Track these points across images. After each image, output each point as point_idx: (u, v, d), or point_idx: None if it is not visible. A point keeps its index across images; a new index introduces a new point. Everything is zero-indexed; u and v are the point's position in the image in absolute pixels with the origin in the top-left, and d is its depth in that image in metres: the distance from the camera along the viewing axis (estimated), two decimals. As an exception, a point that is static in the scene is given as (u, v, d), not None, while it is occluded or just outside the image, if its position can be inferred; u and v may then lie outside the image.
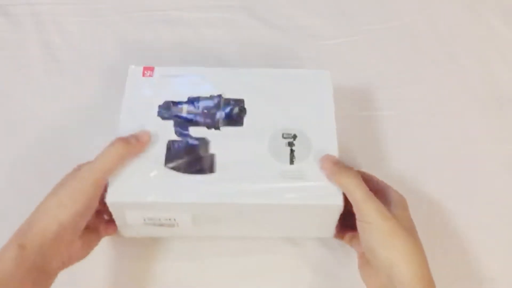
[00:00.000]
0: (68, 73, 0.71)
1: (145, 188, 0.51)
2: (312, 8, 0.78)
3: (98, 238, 0.54)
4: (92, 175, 0.49)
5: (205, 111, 0.55)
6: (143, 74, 0.59)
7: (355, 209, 0.49)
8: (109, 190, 0.50)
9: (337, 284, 0.58)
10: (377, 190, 0.51)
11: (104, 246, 0.57)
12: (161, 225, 0.54)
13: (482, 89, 0.71)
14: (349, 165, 0.51)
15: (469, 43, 0.74)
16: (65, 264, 0.50)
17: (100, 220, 0.54)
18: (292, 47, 0.74)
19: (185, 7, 0.77)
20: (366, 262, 0.51)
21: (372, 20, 0.76)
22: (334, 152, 0.53)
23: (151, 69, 0.59)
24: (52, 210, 0.48)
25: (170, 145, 0.53)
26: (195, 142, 0.54)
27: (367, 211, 0.48)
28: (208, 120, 0.55)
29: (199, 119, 0.55)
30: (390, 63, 0.73)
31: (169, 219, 0.53)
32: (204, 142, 0.54)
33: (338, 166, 0.51)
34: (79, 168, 0.51)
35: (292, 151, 0.53)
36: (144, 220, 0.53)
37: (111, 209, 0.51)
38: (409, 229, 0.48)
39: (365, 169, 0.63)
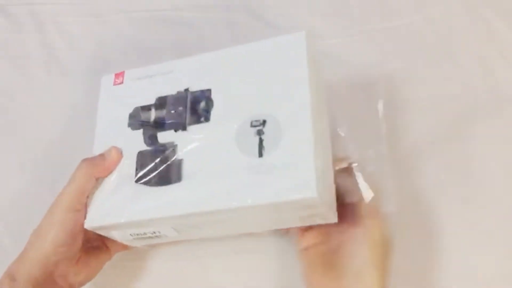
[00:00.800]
0: (68, 73, 0.71)
1: (119, 208, 0.49)
2: (312, 8, 0.78)
3: (108, 256, 0.55)
4: (63, 201, 0.49)
5: (172, 111, 0.52)
6: (114, 83, 0.57)
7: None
8: (88, 215, 0.50)
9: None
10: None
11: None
12: (149, 237, 0.53)
13: (482, 89, 0.71)
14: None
15: (469, 43, 0.74)
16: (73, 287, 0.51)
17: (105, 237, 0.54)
18: (292, 47, 0.74)
19: (185, 7, 0.77)
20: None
21: (372, 20, 0.76)
22: (308, 133, 0.47)
23: (122, 74, 0.57)
24: (36, 241, 0.49)
25: (139, 157, 0.52)
26: (162, 149, 0.51)
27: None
28: (175, 122, 0.52)
29: (167, 121, 0.52)
30: (390, 63, 0.73)
31: (153, 232, 0.52)
32: (171, 147, 0.51)
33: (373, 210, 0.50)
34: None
35: (261, 141, 0.48)
36: (131, 235, 0.52)
37: (95, 231, 0.51)
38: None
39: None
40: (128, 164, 0.51)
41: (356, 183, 0.51)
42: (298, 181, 0.45)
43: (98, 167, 0.50)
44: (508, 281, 0.59)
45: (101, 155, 0.51)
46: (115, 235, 0.52)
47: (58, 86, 0.69)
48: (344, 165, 0.52)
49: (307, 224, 0.51)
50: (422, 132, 0.68)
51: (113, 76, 0.57)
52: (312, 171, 0.45)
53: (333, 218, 0.50)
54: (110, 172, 0.51)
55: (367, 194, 0.50)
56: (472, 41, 0.74)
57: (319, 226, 0.50)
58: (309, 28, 0.74)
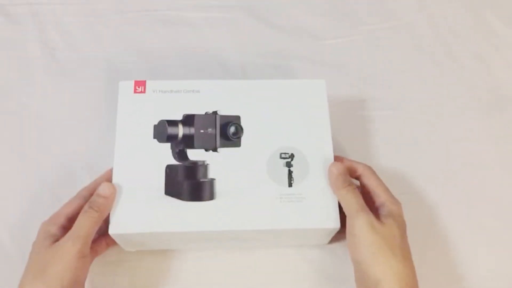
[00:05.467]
0: (68, 73, 0.70)
1: (151, 218, 0.51)
2: (312, 8, 0.78)
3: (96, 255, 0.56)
4: (75, 247, 0.48)
5: (202, 131, 0.55)
6: (135, 90, 0.57)
7: (347, 221, 0.51)
8: (112, 220, 0.51)
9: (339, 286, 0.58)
10: (373, 194, 0.53)
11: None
12: (156, 245, 0.56)
13: (482, 89, 0.71)
14: (350, 179, 0.52)
15: (469, 43, 0.74)
16: None
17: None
18: (292, 47, 0.74)
19: (185, 7, 0.77)
20: (359, 276, 0.50)
21: (372, 20, 0.76)
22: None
23: (143, 83, 0.57)
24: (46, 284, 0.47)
25: (169, 170, 0.53)
26: (193, 166, 0.54)
27: (357, 222, 0.49)
28: (206, 143, 0.54)
29: (197, 141, 0.54)
30: (390, 63, 0.73)
31: (168, 239, 0.55)
32: (203, 166, 0.54)
33: (340, 179, 0.52)
34: (47, 238, 0.50)
35: (290, 172, 0.54)
36: (144, 243, 0.55)
37: (114, 238, 0.52)
38: (396, 245, 0.49)
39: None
40: (156, 176, 0.53)
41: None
42: (323, 212, 0.52)
43: (103, 212, 0.51)
44: (508, 281, 0.59)
45: (102, 197, 0.51)
46: (131, 242, 0.54)
47: (58, 86, 0.69)
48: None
49: (314, 240, 0.58)
50: (422, 132, 0.68)
51: (132, 83, 0.57)
52: (335, 204, 0.53)
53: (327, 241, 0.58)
54: (109, 210, 0.51)
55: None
56: (472, 41, 0.74)
57: None
58: (309, 28, 0.75)
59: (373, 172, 0.55)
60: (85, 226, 0.50)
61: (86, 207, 0.51)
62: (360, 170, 0.55)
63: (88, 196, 0.53)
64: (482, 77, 0.72)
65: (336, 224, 0.52)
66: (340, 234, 0.54)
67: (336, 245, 0.59)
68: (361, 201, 0.51)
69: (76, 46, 0.73)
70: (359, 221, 0.49)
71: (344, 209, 0.51)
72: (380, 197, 0.52)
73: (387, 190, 0.53)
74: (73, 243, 0.48)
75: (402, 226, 0.51)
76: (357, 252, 0.49)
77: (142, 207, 0.51)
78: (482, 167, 0.66)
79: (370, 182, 0.54)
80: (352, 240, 0.50)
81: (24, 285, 0.48)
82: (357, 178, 0.56)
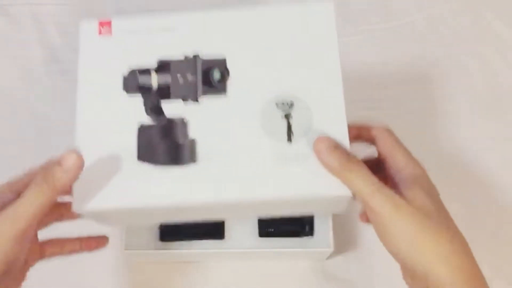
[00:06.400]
0: (68, 73, 0.71)
1: (124, 191, 0.42)
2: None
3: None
4: (13, 227, 0.38)
5: (180, 77, 0.44)
6: (99, 32, 0.46)
7: (365, 209, 0.40)
8: (75, 197, 0.41)
9: None
10: (390, 160, 0.42)
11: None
12: (140, 219, 0.48)
13: (482, 89, 0.71)
14: (347, 153, 0.40)
15: (469, 43, 0.74)
16: None
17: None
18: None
19: (185, 7, 0.77)
20: (405, 271, 0.41)
21: (372, 20, 0.76)
22: (342, 121, 0.42)
23: (108, 23, 0.46)
24: None
25: (141, 131, 0.43)
26: (170, 124, 0.44)
27: (375, 207, 0.37)
28: (184, 91, 0.44)
29: (174, 90, 0.44)
30: (390, 63, 0.73)
31: (150, 216, 0.46)
32: (182, 123, 0.44)
33: (333, 156, 0.39)
34: None
35: (289, 125, 0.43)
36: (118, 220, 0.47)
37: (82, 216, 0.43)
38: (432, 221, 0.37)
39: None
40: (126, 138, 0.43)
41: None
42: (331, 176, 0.40)
43: (60, 188, 0.38)
44: (509, 281, 0.59)
45: (62, 169, 0.38)
46: (107, 219, 0.46)
47: (58, 86, 0.69)
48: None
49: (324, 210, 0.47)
50: (422, 132, 0.68)
51: (96, 23, 0.46)
52: None
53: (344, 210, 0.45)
54: (72, 182, 0.40)
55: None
56: (472, 41, 0.74)
57: None
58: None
59: (390, 134, 0.43)
60: (33, 204, 0.38)
61: (39, 178, 0.38)
62: (374, 132, 0.43)
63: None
64: (482, 77, 0.72)
65: (348, 191, 0.40)
66: None
67: (343, 256, 0.60)
68: (372, 178, 0.38)
69: (76, 46, 0.73)
70: (377, 204, 0.37)
71: (353, 191, 0.39)
72: (398, 162, 0.41)
73: (406, 152, 0.42)
74: (11, 224, 0.38)
75: (432, 193, 0.40)
76: (389, 243, 0.38)
77: (111, 177, 0.42)
78: (482, 167, 0.66)
79: (386, 146, 0.42)
80: (377, 229, 0.39)
81: None
82: (372, 141, 0.45)
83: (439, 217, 0.38)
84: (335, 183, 0.40)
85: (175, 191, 0.42)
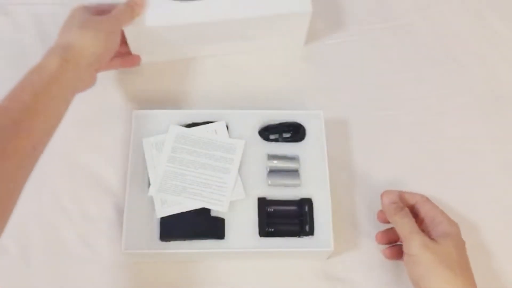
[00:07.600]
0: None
1: (181, 11, 0.61)
2: (312, 8, 0.78)
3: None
4: (122, 23, 0.59)
5: None
6: None
7: (403, 244, 0.54)
8: (148, 13, 0.61)
9: None
10: (430, 217, 0.55)
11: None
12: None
13: (482, 89, 0.71)
14: (401, 205, 0.56)
15: (469, 43, 0.74)
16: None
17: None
18: (292, 47, 0.74)
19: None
20: None
21: (372, 20, 0.76)
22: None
23: None
24: (90, 41, 0.55)
25: None
26: None
27: (412, 243, 0.51)
28: None
29: None
30: (390, 63, 0.73)
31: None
32: None
33: (393, 206, 0.55)
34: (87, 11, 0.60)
35: None
36: (162, 45, 0.66)
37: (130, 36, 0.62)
38: (453, 261, 0.51)
39: (365, 168, 0.63)
40: None
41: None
42: None
43: (134, 15, 0.60)
44: (509, 282, 0.59)
45: (137, 4, 0.60)
46: (153, 41, 0.64)
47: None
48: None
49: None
50: (422, 132, 0.68)
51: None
52: None
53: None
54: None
55: None
56: (473, 41, 0.74)
57: None
58: (309, 28, 0.75)
59: (428, 199, 0.57)
60: (125, 17, 0.59)
61: (123, 6, 0.59)
62: (416, 199, 0.57)
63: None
64: (482, 77, 0.72)
65: (308, 7, 0.63)
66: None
67: (344, 258, 0.60)
68: (414, 224, 0.53)
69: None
70: (414, 242, 0.51)
71: (399, 233, 0.54)
72: (436, 218, 0.55)
73: (443, 213, 0.56)
74: (117, 23, 0.59)
75: (459, 245, 0.53)
76: (414, 271, 0.52)
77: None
78: (482, 167, 0.66)
79: (427, 208, 0.56)
80: (409, 259, 0.52)
81: (78, 27, 0.57)
82: (412, 207, 0.57)
83: (459, 260, 0.51)
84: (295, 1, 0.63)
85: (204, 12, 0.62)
